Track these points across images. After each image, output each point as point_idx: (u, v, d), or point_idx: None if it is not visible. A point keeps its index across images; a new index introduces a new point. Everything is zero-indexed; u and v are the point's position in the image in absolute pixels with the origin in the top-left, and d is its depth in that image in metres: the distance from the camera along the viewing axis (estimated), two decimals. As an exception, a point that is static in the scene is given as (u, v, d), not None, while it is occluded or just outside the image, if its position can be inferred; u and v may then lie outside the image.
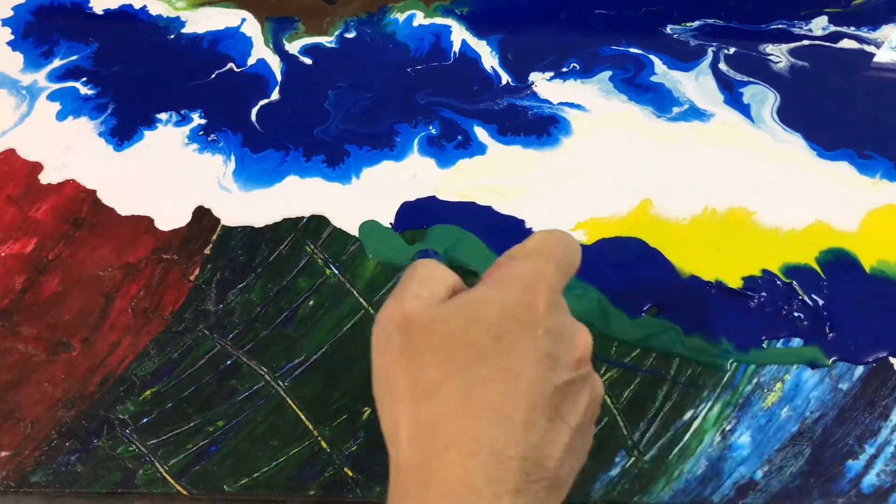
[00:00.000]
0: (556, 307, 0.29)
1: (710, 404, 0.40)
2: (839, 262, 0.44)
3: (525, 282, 0.29)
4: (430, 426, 0.27)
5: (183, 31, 0.53)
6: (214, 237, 0.44)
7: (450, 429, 0.27)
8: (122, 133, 0.48)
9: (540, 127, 0.49)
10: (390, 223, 0.45)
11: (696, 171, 0.47)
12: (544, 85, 0.51)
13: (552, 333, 0.28)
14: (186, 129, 0.49)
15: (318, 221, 0.45)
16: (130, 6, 0.55)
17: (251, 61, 0.52)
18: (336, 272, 0.43)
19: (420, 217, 0.45)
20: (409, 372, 0.28)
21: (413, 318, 0.29)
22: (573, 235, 0.33)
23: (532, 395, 0.27)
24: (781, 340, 0.41)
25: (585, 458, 0.30)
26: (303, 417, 0.39)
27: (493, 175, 0.47)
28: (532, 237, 0.32)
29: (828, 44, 0.53)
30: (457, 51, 0.53)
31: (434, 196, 0.46)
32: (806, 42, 0.53)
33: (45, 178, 0.46)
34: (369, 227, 0.45)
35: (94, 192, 0.46)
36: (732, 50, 0.52)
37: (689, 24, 0.54)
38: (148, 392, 0.40)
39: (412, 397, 0.28)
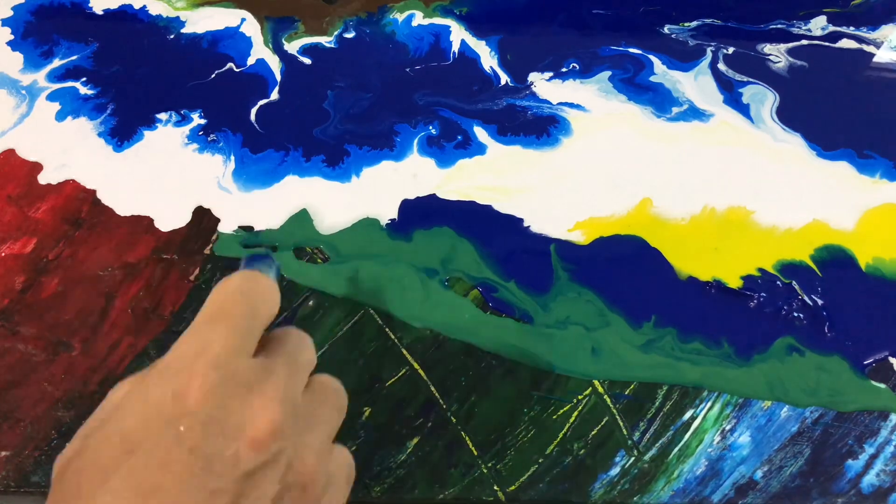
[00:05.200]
0: (221, 385, 0.24)
1: (709, 404, 0.40)
2: (835, 260, 0.44)
3: (178, 364, 0.25)
4: None
5: (183, 31, 0.53)
6: (214, 237, 0.44)
7: None
8: (122, 133, 0.48)
9: (539, 127, 0.49)
10: (391, 219, 0.45)
11: (695, 171, 0.47)
12: (543, 85, 0.51)
13: (205, 424, 0.24)
14: (186, 129, 0.49)
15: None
16: (130, 6, 0.55)
17: (251, 61, 0.52)
18: (336, 272, 0.43)
19: (420, 216, 0.45)
20: None
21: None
22: (260, 273, 0.28)
23: None
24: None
25: None
26: (303, 417, 0.39)
27: (493, 175, 0.47)
28: (210, 296, 0.27)
29: (827, 44, 0.53)
30: (456, 51, 0.53)
31: (434, 194, 0.46)
32: (805, 42, 0.53)
33: (44, 178, 0.46)
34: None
35: (93, 192, 0.46)
36: (731, 50, 0.52)
37: (687, 24, 0.54)
38: (148, 392, 0.40)
39: None
